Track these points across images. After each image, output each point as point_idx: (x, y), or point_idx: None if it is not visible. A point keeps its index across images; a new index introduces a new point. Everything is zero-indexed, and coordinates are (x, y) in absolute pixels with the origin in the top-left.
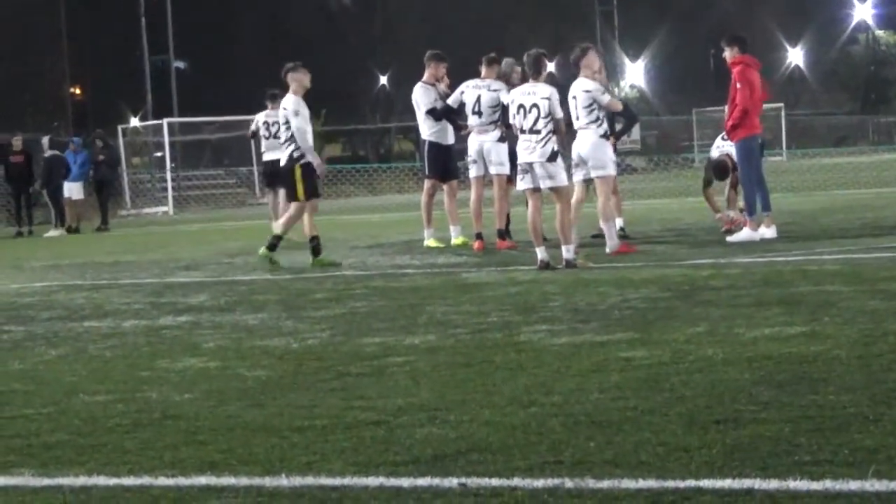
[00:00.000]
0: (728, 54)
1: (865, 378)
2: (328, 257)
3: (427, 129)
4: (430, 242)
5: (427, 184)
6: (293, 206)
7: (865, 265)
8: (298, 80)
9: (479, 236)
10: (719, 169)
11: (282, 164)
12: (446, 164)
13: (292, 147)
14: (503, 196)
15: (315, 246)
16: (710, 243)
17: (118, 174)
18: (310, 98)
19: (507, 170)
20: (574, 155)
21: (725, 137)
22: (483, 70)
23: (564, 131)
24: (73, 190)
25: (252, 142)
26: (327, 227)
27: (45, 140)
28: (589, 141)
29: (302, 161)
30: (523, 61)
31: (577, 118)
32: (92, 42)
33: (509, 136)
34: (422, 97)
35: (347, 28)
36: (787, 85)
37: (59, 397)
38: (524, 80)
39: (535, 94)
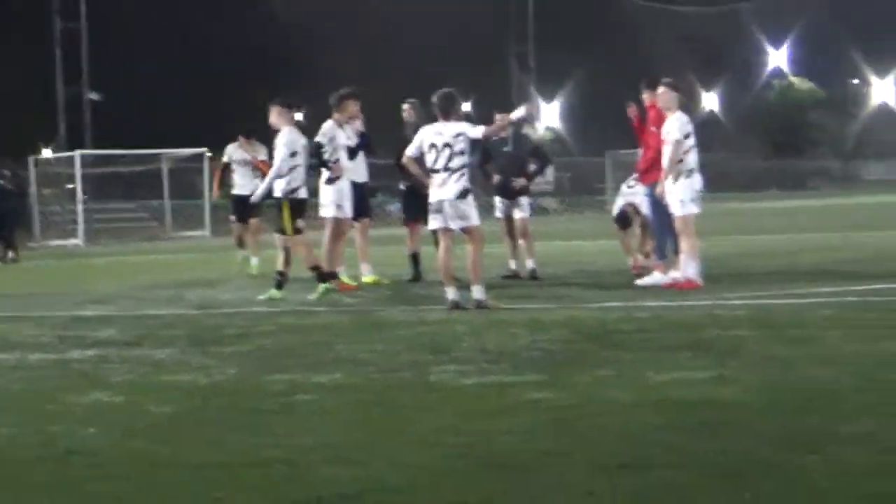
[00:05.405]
0: (646, 97)
1: (770, 424)
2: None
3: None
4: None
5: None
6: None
7: (774, 311)
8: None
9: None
10: (621, 219)
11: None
12: (359, 201)
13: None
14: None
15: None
16: (621, 286)
17: (25, 205)
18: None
19: (330, 212)
20: None
21: (631, 184)
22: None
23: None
24: None
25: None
26: (233, 263)
27: None
28: None
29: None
30: (432, 101)
31: None
32: (3, 71)
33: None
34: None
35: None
36: (700, 129)
37: None
38: (432, 119)
39: (444, 133)
